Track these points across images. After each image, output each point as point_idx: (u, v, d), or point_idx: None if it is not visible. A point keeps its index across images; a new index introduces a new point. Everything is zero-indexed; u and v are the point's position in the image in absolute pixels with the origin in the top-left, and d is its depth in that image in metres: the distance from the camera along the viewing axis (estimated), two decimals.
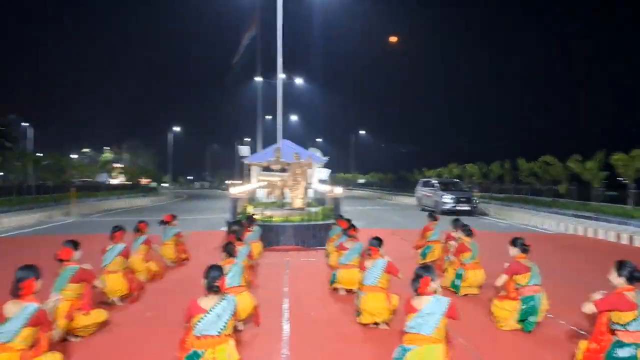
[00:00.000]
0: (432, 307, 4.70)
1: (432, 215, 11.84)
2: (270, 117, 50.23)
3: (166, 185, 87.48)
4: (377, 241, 7.09)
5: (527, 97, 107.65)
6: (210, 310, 4.67)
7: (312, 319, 7.39)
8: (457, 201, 27.49)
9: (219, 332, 4.64)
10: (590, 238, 18.01)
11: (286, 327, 6.95)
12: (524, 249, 6.83)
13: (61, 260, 6.40)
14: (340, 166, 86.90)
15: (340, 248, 9.11)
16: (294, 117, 65.59)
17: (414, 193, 35.14)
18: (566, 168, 28.30)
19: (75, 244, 6.55)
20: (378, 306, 6.68)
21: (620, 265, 4.93)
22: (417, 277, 4.84)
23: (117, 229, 8.30)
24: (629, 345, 4.67)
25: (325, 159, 27.95)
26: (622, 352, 4.65)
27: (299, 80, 43.07)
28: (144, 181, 71.43)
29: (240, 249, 7.99)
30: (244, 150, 26.63)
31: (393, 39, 53.12)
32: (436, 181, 31.03)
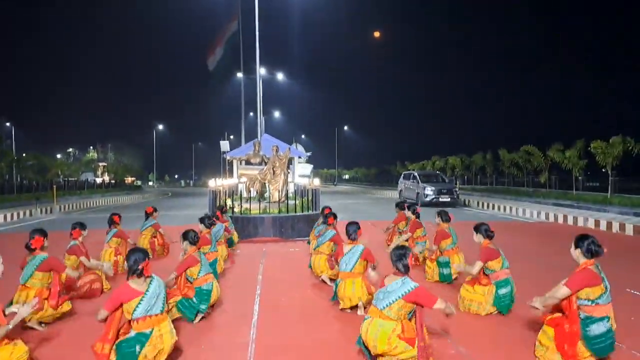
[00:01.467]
0: (393, 287, 4.73)
1: (401, 206, 11.83)
2: (252, 113, 50.01)
3: (151, 183, 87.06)
4: (354, 227, 7.06)
5: (509, 87, 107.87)
6: (147, 292, 4.71)
7: (283, 303, 7.41)
8: (439, 193, 27.60)
9: (161, 310, 4.75)
10: (570, 225, 18.16)
11: (256, 311, 6.99)
12: (489, 235, 6.82)
13: (31, 250, 6.33)
14: (324, 162, 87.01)
15: (319, 235, 9.13)
16: (277, 114, 65.41)
17: (397, 186, 35.23)
18: (547, 158, 28.56)
19: (44, 233, 6.47)
20: (356, 291, 6.68)
21: (581, 239, 4.95)
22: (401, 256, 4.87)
23: (75, 226, 8.01)
24: (601, 319, 4.67)
25: (308, 154, 27.91)
26: (597, 328, 4.63)
27: (280, 76, 42.90)
28: (129, 180, 71.03)
29: (209, 237, 8.01)
30: (224, 145, 26.57)
31: (376, 34, 53.22)
32: (418, 174, 31.11)
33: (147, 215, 11.56)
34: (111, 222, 9.71)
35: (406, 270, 4.83)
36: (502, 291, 6.56)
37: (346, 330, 6.03)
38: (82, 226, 8.02)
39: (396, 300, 4.65)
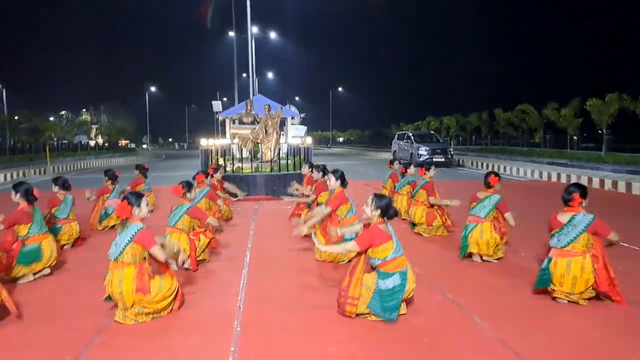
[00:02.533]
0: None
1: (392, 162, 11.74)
2: (245, 74, 49.44)
3: (145, 146, 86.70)
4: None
5: (504, 44, 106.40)
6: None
7: (274, 255, 7.49)
8: (433, 153, 27.55)
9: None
10: (563, 183, 18.20)
11: (247, 262, 7.06)
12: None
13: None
14: (318, 124, 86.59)
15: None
16: (270, 75, 64.74)
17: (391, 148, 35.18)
18: (542, 116, 28.46)
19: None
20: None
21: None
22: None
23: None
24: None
25: (302, 115, 27.70)
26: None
27: (273, 36, 42.24)
28: (122, 143, 70.70)
29: (199, 190, 8.00)
30: (217, 105, 26.32)
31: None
32: (412, 134, 31.00)
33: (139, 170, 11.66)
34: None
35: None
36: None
37: (332, 277, 6.07)
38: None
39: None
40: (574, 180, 17.86)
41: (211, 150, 15.72)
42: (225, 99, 59.62)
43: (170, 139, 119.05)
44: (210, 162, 15.57)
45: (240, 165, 15.68)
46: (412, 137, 29.95)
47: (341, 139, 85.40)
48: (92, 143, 59.25)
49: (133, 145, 73.75)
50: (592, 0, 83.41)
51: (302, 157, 16.20)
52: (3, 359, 3.98)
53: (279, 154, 16.42)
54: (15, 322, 4.69)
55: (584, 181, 17.31)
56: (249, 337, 4.39)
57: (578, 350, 4.04)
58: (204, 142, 15.32)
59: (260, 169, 15.26)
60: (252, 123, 18.52)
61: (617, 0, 78.10)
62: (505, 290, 5.56)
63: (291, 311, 5.04)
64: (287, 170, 15.07)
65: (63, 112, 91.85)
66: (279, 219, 10.74)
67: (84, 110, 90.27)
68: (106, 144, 60.24)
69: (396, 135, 33.96)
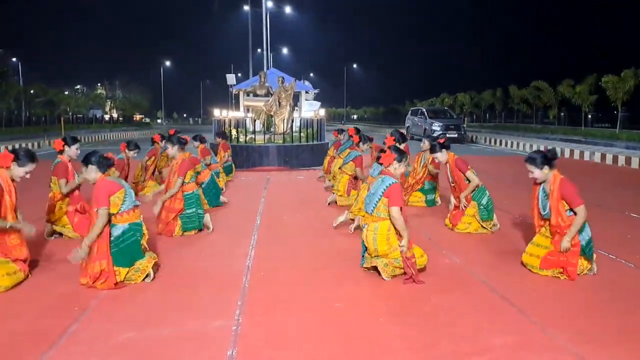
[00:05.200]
0: (375, 187, 4.87)
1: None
2: (260, 50, 49.24)
3: (159, 121, 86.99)
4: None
5: (519, 22, 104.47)
6: (128, 187, 4.89)
7: (284, 221, 7.60)
8: (446, 129, 27.41)
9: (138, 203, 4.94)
10: (576, 160, 18.12)
11: (257, 224, 7.26)
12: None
13: None
14: (333, 101, 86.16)
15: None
16: (284, 51, 64.35)
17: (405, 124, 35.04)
18: (557, 93, 28.19)
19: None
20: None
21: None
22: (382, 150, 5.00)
23: None
24: None
25: (316, 91, 27.63)
26: None
27: (288, 10, 41.99)
28: (137, 117, 71.01)
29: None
30: (231, 78, 26.32)
31: None
32: (425, 109, 30.85)
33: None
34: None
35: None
36: (483, 201, 6.68)
37: (343, 243, 6.21)
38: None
39: (379, 199, 4.78)
40: (586, 157, 17.77)
41: (224, 121, 15.81)
42: (239, 74, 59.45)
43: (184, 114, 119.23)
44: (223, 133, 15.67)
45: (253, 136, 15.79)
46: (426, 113, 29.80)
47: (355, 116, 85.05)
48: (106, 117, 59.58)
49: (147, 120, 74.00)
50: None
51: (315, 129, 16.25)
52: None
53: (291, 126, 16.50)
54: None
55: (597, 158, 17.20)
56: (257, 292, 4.51)
57: (573, 306, 4.14)
58: (217, 113, 15.41)
59: (273, 140, 15.36)
60: (266, 95, 18.58)
61: None
62: (511, 255, 5.64)
63: (299, 271, 5.16)
64: (300, 142, 15.16)
65: (78, 87, 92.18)
66: (291, 188, 10.88)
67: (99, 84, 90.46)
68: (120, 118, 60.56)
69: (410, 111, 33.80)
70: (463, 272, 5.13)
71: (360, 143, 8.86)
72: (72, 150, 6.52)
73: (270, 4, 34.80)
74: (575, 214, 4.79)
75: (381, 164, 4.96)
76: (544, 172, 5.01)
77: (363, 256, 5.07)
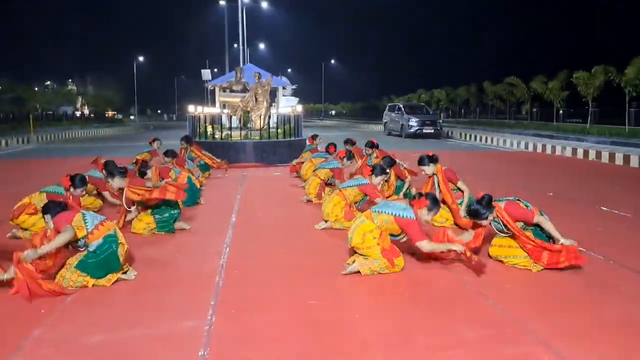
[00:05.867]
0: (392, 203, 5.00)
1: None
2: (236, 45, 48.91)
3: (133, 117, 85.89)
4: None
5: (494, 18, 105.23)
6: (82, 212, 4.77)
7: (259, 219, 7.55)
8: (423, 124, 27.58)
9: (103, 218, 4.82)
10: (547, 154, 18.40)
11: (233, 222, 7.18)
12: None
13: None
14: (310, 97, 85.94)
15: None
16: (262, 47, 64.01)
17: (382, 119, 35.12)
18: (530, 89, 28.58)
19: None
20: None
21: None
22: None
23: None
24: None
25: (293, 86, 27.53)
26: None
27: (265, 5, 41.73)
28: (109, 114, 69.95)
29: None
30: (206, 74, 26.07)
31: None
32: (402, 105, 30.97)
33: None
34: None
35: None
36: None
37: (320, 241, 6.19)
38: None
39: (388, 215, 4.79)
40: (558, 151, 18.03)
41: (199, 117, 15.63)
42: (215, 70, 58.97)
43: (159, 111, 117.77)
44: (198, 130, 15.53)
45: (229, 132, 15.67)
46: (403, 109, 29.92)
47: (333, 112, 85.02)
48: (77, 114, 58.56)
49: (120, 117, 73.01)
50: None
51: (292, 125, 16.19)
52: None
53: (269, 122, 16.41)
54: None
55: (568, 152, 17.48)
56: (231, 291, 4.46)
57: (546, 298, 4.17)
58: (192, 109, 15.23)
59: (249, 137, 15.26)
60: (242, 91, 18.38)
61: None
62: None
63: (274, 269, 5.11)
64: (277, 138, 15.08)
65: (48, 82, 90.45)
66: (267, 185, 10.82)
67: (70, 80, 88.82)
68: (92, 115, 59.61)
69: (387, 107, 33.88)
70: (436, 266, 5.12)
71: (345, 159, 8.89)
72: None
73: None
74: None
75: (412, 206, 4.87)
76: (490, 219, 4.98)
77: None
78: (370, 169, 7.00)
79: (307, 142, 12.10)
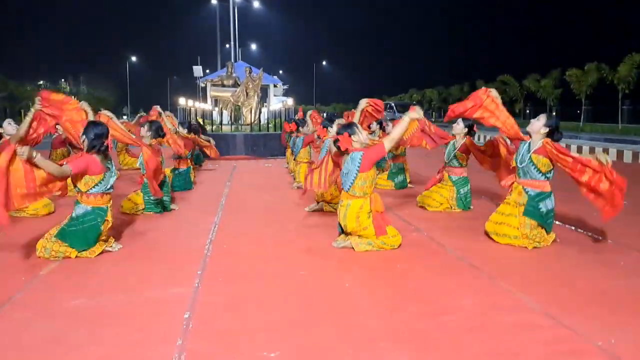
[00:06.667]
0: (348, 166, 4.72)
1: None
2: (228, 45, 48.76)
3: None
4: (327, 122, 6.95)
5: (486, 17, 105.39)
6: (112, 168, 4.66)
7: (249, 201, 7.42)
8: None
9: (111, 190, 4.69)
10: None
11: (222, 205, 7.04)
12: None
13: None
14: (302, 98, 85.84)
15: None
16: (253, 47, 63.82)
17: None
18: (523, 87, 28.60)
19: None
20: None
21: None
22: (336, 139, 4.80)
23: None
24: None
25: (285, 86, 27.43)
26: None
27: (257, 4, 41.56)
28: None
29: None
30: (197, 70, 25.91)
31: None
32: (394, 104, 30.96)
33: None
34: None
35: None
36: (462, 190, 6.63)
37: (312, 219, 6.07)
38: None
39: (355, 177, 4.63)
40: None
41: (190, 111, 15.48)
42: (207, 70, 58.79)
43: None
44: (189, 122, 15.35)
45: (220, 126, 15.55)
46: (395, 107, 29.88)
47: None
48: None
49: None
50: None
51: (282, 119, 16.07)
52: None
53: (259, 117, 16.29)
54: None
55: None
56: (218, 262, 4.33)
57: (542, 271, 4.06)
58: (183, 102, 15.07)
59: (240, 129, 15.13)
60: (233, 86, 18.30)
61: None
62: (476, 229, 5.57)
63: (264, 244, 4.99)
64: (268, 130, 14.95)
65: (41, 82, 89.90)
66: (258, 174, 10.70)
67: (63, 80, 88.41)
68: None
69: None
70: (431, 243, 5.02)
71: (300, 128, 9.11)
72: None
73: None
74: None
75: (346, 151, 4.78)
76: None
77: (339, 234, 4.95)
78: (323, 129, 6.76)
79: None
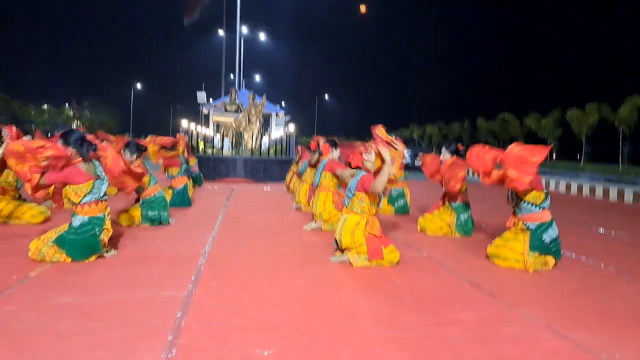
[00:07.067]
0: (351, 183, 4.75)
1: None
2: (233, 75, 49.23)
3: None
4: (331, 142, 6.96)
5: (487, 55, 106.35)
6: (101, 175, 4.59)
7: (247, 219, 7.34)
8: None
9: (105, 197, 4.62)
10: None
11: (219, 221, 6.97)
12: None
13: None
14: (304, 130, 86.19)
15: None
16: (257, 78, 64.46)
17: None
18: (523, 126, 28.77)
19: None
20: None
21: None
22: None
23: None
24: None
25: (287, 118, 27.58)
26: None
27: (262, 37, 42.20)
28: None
29: None
30: (201, 96, 26.00)
31: (363, 8, 52.82)
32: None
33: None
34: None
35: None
36: (463, 217, 6.57)
37: (310, 236, 6.00)
38: None
39: (353, 194, 4.63)
40: (552, 186, 17.95)
41: (191, 132, 15.51)
42: (211, 99, 59.34)
43: None
44: (190, 144, 15.38)
45: (220, 150, 15.56)
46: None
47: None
48: None
49: None
50: (576, 13, 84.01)
51: (283, 145, 16.10)
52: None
53: (260, 144, 16.31)
54: None
55: (562, 188, 17.39)
56: (214, 270, 4.25)
57: (544, 291, 3.98)
58: (185, 124, 15.10)
59: (240, 154, 15.14)
60: (236, 111, 18.38)
61: (600, 13, 78.71)
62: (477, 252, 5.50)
63: (261, 256, 4.91)
64: (268, 156, 14.95)
65: (45, 106, 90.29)
66: (256, 195, 10.65)
67: (67, 104, 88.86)
68: None
69: None
70: (430, 262, 4.96)
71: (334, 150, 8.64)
72: None
73: (244, 30, 34.87)
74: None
75: (357, 167, 4.81)
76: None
77: (335, 250, 4.89)
78: (328, 147, 6.88)
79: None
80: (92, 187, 4.41)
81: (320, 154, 7.19)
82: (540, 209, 4.82)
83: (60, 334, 2.72)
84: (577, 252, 5.68)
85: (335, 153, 6.83)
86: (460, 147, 6.72)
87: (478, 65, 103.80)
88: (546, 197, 4.84)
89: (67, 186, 4.37)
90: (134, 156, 6.11)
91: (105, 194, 4.58)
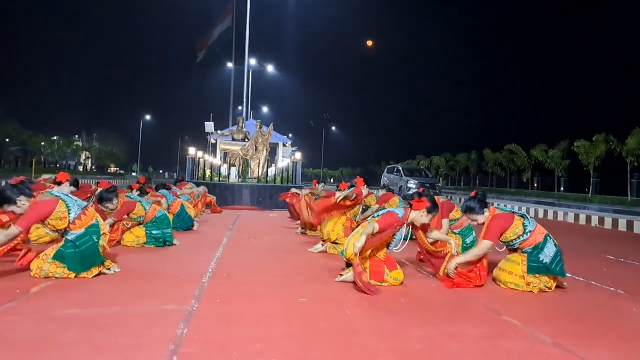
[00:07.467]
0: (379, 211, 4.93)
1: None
2: (240, 107, 49.68)
3: (134, 174, 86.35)
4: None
5: (494, 85, 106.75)
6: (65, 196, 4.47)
7: (251, 242, 7.29)
8: (422, 186, 27.49)
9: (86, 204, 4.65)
10: (549, 220, 18.16)
11: (224, 243, 6.93)
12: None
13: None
14: (309, 162, 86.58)
15: None
16: (264, 110, 65.05)
17: (380, 182, 35.08)
18: (530, 157, 28.68)
19: None
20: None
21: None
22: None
23: None
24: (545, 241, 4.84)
25: (293, 149, 27.75)
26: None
27: (270, 69, 42.79)
28: (112, 170, 70.51)
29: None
30: (209, 126, 26.17)
31: (369, 43, 53.45)
32: (401, 167, 31.03)
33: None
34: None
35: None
36: (468, 239, 6.51)
37: (314, 257, 5.95)
38: None
39: (371, 217, 4.68)
40: (560, 217, 17.84)
41: (199, 160, 15.59)
42: (218, 131, 59.84)
43: (160, 170, 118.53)
44: (197, 171, 15.46)
45: (226, 175, 15.60)
46: (402, 171, 29.94)
47: (332, 179, 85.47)
48: (80, 168, 58.87)
49: (122, 172, 73.53)
50: (581, 43, 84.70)
51: (290, 172, 16.13)
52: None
53: (267, 171, 16.35)
54: None
55: (570, 218, 17.27)
56: (217, 286, 4.22)
57: (549, 309, 3.91)
58: (192, 152, 15.20)
59: (247, 180, 15.17)
60: (243, 140, 18.48)
61: (605, 42, 79.25)
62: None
63: (265, 274, 4.88)
64: (274, 182, 14.97)
65: (55, 138, 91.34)
66: (261, 221, 10.62)
67: (76, 136, 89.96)
68: (94, 167, 59.86)
69: (386, 169, 33.87)
70: (435, 281, 4.89)
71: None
72: None
73: (252, 62, 35.39)
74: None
75: (411, 205, 4.78)
76: (485, 215, 4.87)
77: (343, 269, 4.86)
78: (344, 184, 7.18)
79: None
80: (65, 202, 4.30)
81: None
82: (528, 234, 4.73)
83: (61, 343, 2.70)
84: (586, 276, 5.59)
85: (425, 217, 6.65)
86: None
87: (485, 96, 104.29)
88: (525, 221, 4.76)
89: (47, 220, 4.24)
90: (115, 201, 5.83)
91: (81, 202, 4.53)
